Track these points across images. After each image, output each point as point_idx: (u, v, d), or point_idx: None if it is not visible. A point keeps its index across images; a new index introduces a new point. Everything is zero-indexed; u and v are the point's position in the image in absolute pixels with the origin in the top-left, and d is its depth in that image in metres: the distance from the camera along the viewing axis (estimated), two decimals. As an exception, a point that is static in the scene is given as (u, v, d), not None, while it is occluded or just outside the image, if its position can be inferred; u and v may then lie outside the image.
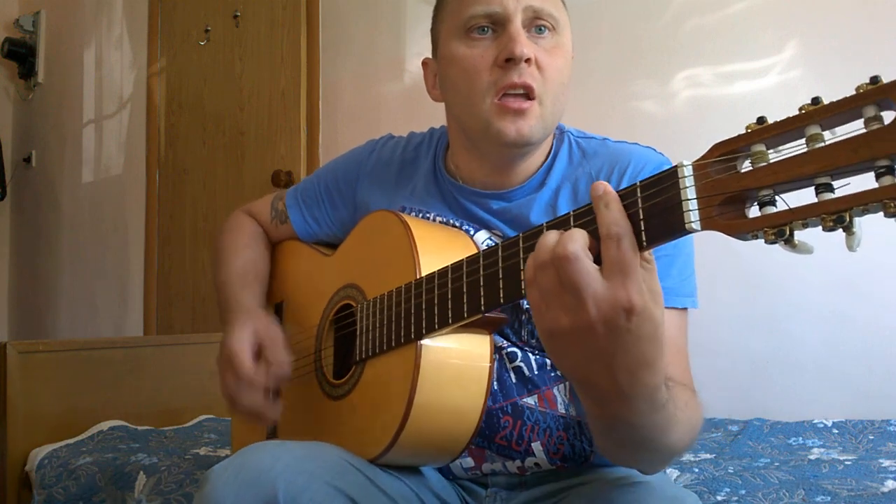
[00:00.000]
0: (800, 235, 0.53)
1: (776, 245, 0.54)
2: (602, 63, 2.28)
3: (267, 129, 3.04)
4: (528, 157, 1.00)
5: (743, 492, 1.26)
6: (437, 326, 0.84)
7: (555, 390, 0.96)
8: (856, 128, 0.50)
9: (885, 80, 0.50)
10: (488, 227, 1.02)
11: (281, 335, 1.03)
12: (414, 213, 1.06)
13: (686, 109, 2.19)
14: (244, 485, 0.79)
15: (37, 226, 3.96)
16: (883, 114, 0.49)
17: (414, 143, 1.15)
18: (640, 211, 0.61)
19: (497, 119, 0.93)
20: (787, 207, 0.53)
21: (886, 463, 1.40)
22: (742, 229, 0.55)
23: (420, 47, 2.68)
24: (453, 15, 0.98)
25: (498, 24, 0.94)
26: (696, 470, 1.41)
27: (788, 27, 2.06)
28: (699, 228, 0.58)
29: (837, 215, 0.50)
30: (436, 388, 0.85)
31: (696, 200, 0.58)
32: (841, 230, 0.51)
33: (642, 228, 0.61)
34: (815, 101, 0.52)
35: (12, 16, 4.07)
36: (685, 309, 0.93)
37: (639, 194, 0.61)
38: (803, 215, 0.52)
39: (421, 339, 0.85)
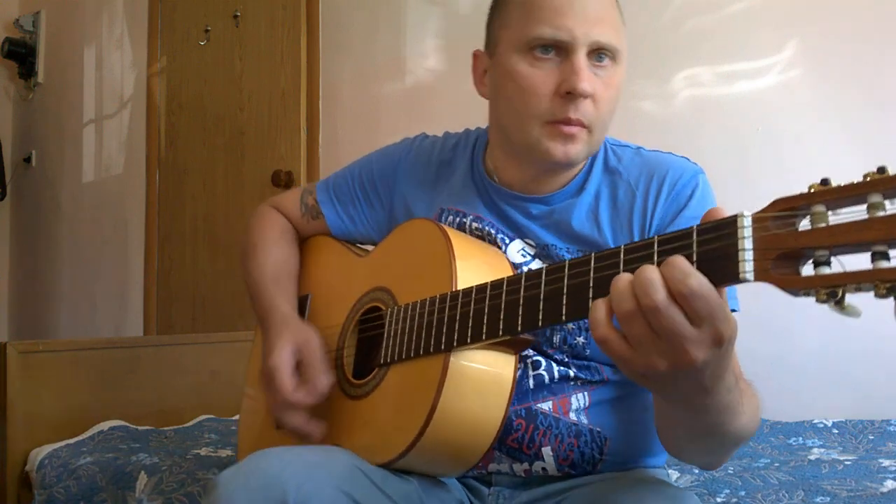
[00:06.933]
0: (849, 299, 0.55)
1: (825, 305, 0.56)
2: (602, 63, 2.28)
3: (267, 129, 3.04)
4: (569, 167, 1.01)
5: (743, 493, 1.26)
6: (469, 340, 0.84)
7: (570, 397, 0.96)
8: None
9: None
10: (523, 236, 1.02)
11: (320, 350, 1.04)
12: (452, 216, 1.06)
13: (686, 109, 2.19)
14: (254, 491, 0.79)
15: (37, 226, 3.96)
16: None
17: (450, 144, 1.14)
18: (694, 254, 0.62)
19: (547, 140, 0.94)
20: (842, 270, 0.55)
21: (886, 463, 1.40)
22: (796, 286, 0.57)
23: (420, 47, 2.68)
24: (517, 26, 0.96)
25: (562, 49, 0.93)
26: (696, 471, 1.41)
27: (788, 27, 2.06)
28: (752, 279, 0.59)
29: (892, 284, 0.52)
30: (458, 399, 0.86)
31: (752, 251, 0.59)
32: (893, 298, 0.52)
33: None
34: (881, 170, 0.53)
35: (12, 16, 4.07)
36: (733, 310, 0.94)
37: (695, 237, 0.63)
38: (858, 280, 0.53)
39: (451, 350, 0.86)
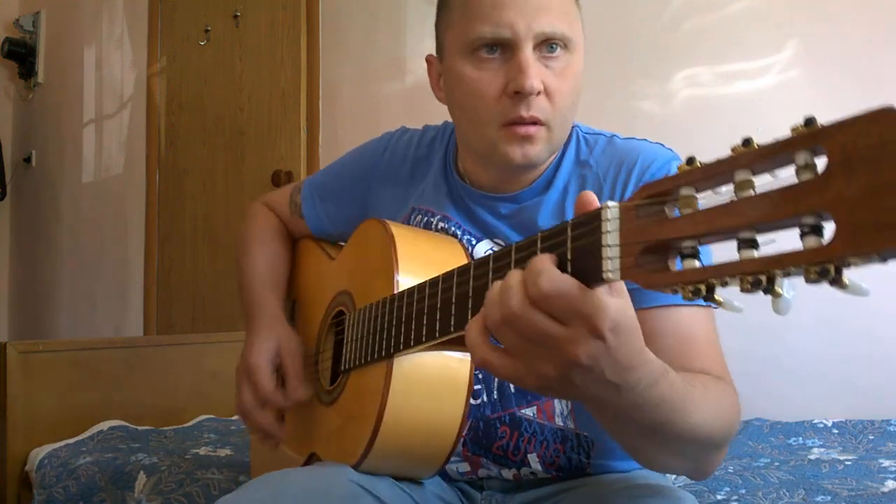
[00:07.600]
0: (725, 294, 0.47)
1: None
2: (601, 63, 2.28)
3: (267, 129, 3.05)
4: (531, 168, 0.98)
5: (743, 491, 1.26)
6: (411, 343, 0.81)
7: (555, 402, 0.95)
8: (788, 175, 0.43)
9: (826, 120, 0.42)
10: (492, 236, 0.99)
11: (300, 354, 1.04)
12: (420, 215, 1.04)
13: (685, 109, 2.19)
14: None
15: (37, 226, 3.96)
16: (817, 160, 0.41)
17: (428, 138, 1.12)
18: (569, 251, 0.56)
19: (504, 144, 0.90)
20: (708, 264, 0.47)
21: (886, 463, 1.40)
22: (659, 284, 0.49)
23: (420, 47, 2.68)
24: (460, 27, 0.91)
25: (507, 47, 0.88)
26: (696, 470, 1.41)
27: (788, 27, 2.06)
28: (617, 278, 0.52)
29: (755, 277, 0.43)
30: (408, 404, 0.84)
31: (617, 247, 0.52)
32: (764, 293, 0.43)
33: (569, 270, 0.55)
34: (746, 142, 0.44)
35: (12, 16, 4.07)
36: (710, 306, 0.90)
37: (569, 232, 0.56)
38: (721, 274, 0.45)
39: (393, 356, 0.84)
